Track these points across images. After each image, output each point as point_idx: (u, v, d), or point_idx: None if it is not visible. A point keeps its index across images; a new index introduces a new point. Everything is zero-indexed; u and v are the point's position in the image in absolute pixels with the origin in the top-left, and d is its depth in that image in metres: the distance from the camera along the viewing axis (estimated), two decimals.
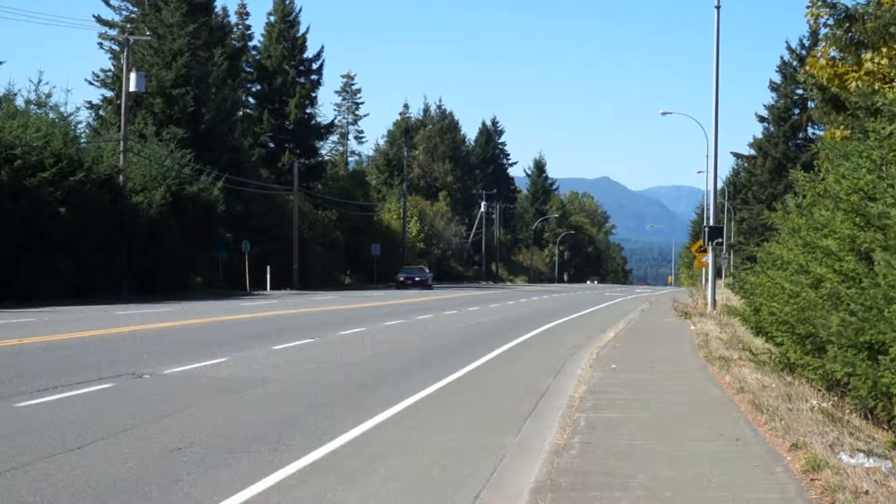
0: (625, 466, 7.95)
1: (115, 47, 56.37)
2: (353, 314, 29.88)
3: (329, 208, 72.63)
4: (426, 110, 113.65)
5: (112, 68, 56.02)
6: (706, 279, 39.71)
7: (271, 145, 72.23)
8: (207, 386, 12.69)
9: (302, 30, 74.14)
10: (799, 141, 69.08)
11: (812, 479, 7.44)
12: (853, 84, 18.16)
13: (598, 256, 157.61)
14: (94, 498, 6.99)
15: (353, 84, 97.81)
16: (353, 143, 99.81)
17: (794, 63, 66.74)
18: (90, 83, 57.47)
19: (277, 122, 71.97)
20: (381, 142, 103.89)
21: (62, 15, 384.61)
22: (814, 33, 58.66)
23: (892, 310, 8.80)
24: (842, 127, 18.68)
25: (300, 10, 74.38)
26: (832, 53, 19.80)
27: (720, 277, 42.82)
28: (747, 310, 18.61)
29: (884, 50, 17.80)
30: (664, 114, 55.03)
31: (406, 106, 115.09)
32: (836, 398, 12.75)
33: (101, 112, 54.84)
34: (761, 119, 72.74)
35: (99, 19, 59.48)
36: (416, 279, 67.59)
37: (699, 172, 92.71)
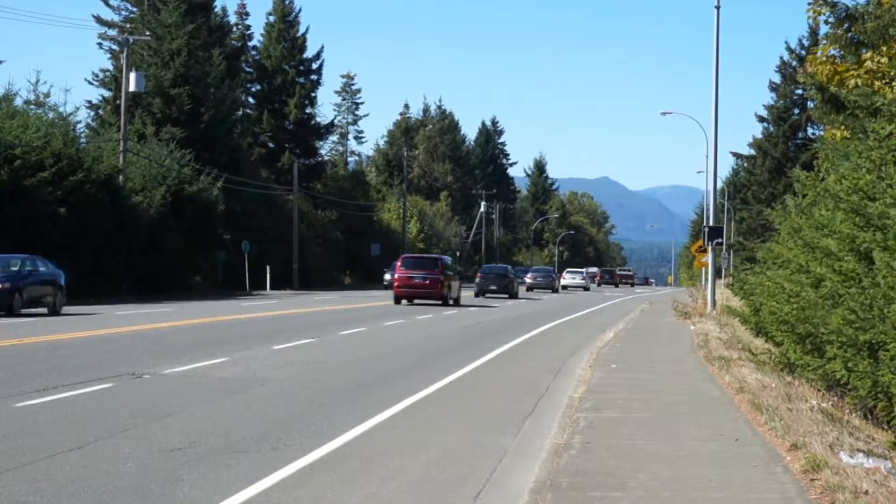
0: (625, 466, 7.95)
1: (114, 47, 56.36)
2: (352, 314, 29.89)
3: (329, 208, 72.63)
4: (426, 110, 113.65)
5: (111, 68, 56.00)
6: (706, 279, 39.71)
7: (271, 145, 72.21)
8: (207, 386, 12.69)
9: (302, 30, 74.18)
10: (799, 141, 69.02)
11: (812, 479, 7.44)
12: (852, 81, 18.16)
13: (598, 256, 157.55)
14: (94, 498, 6.99)
15: (352, 84, 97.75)
16: (352, 143, 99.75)
17: (794, 63, 66.69)
18: (89, 83, 57.48)
19: (277, 122, 71.95)
20: (381, 142, 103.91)
21: (62, 15, 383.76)
22: (813, 33, 58.65)
23: (891, 309, 8.81)
24: (842, 127, 18.68)
25: (300, 10, 74.43)
26: (832, 52, 19.80)
27: (720, 277, 42.82)
28: (747, 310, 18.62)
29: (884, 49, 17.80)
30: (664, 114, 55.13)
31: (406, 106, 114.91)
32: (836, 398, 12.76)
33: (100, 112, 54.83)
34: (761, 119, 72.72)
35: (98, 19, 59.50)
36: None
37: (699, 172, 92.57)
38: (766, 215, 21.62)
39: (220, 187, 48.69)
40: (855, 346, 9.69)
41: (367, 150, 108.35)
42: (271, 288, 53.74)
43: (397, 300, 37.01)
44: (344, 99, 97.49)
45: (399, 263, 39.20)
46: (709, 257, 33.96)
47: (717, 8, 32.49)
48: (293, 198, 62.06)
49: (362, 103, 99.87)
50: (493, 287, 49.26)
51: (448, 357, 17.40)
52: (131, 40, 46.89)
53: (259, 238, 55.24)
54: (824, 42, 20.11)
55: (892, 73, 17.36)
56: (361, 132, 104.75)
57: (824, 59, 19.33)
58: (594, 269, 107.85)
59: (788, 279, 13.90)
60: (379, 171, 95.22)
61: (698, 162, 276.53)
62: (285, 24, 73.44)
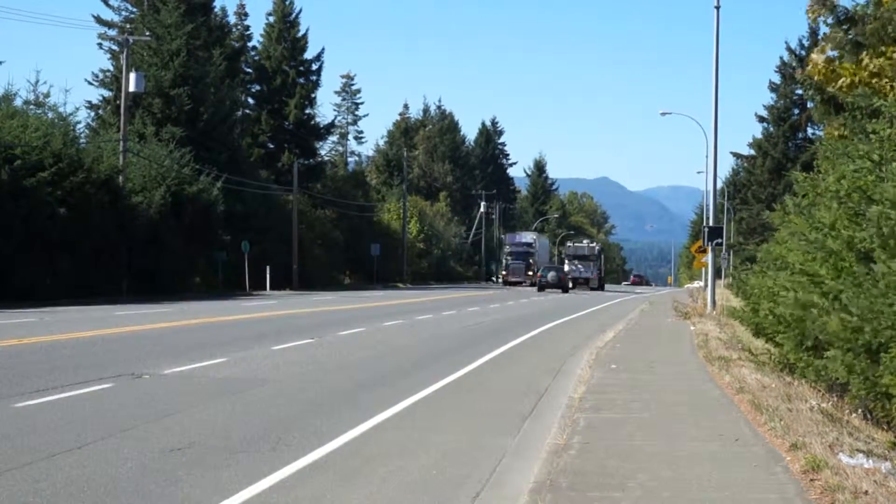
0: (624, 467, 7.95)
1: (114, 47, 56.38)
2: (352, 314, 29.88)
3: (328, 208, 72.65)
4: (426, 110, 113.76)
5: (111, 68, 56.01)
6: (706, 279, 39.71)
7: (271, 146, 72.19)
8: (207, 386, 12.69)
9: (302, 30, 74.19)
10: (798, 141, 69.10)
11: (811, 480, 7.44)
12: (847, 79, 18.26)
13: None
14: (94, 498, 6.99)
15: (352, 84, 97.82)
16: (352, 144, 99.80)
17: (794, 63, 66.74)
18: (89, 83, 57.47)
19: (277, 122, 71.94)
20: (381, 142, 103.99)
21: (62, 15, 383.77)
22: (813, 33, 58.74)
23: (891, 310, 8.81)
24: (841, 128, 18.73)
25: (300, 10, 74.42)
26: (830, 53, 19.88)
27: (720, 278, 42.82)
28: (747, 311, 18.63)
29: (882, 49, 17.85)
30: (664, 114, 55.08)
31: (406, 106, 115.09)
32: (835, 398, 12.76)
33: (100, 112, 54.84)
34: (761, 119, 72.80)
35: (98, 19, 59.45)
36: None
37: (699, 173, 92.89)
38: (766, 217, 21.67)
39: (220, 187, 48.67)
40: (854, 348, 9.70)
41: (367, 150, 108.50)
42: (271, 288, 53.75)
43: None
44: (344, 99, 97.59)
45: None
46: (709, 257, 33.96)
47: (717, 8, 32.53)
48: (293, 198, 62.05)
49: (362, 103, 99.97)
50: None
51: (448, 357, 17.40)
52: (131, 40, 46.89)
53: (259, 238, 55.23)
54: (823, 43, 20.19)
55: (890, 75, 17.40)
56: (361, 132, 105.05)
57: (822, 62, 19.42)
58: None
59: (788, 280, 13.90)
60: (379, 172, 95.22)
61: (698, 162, 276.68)
62: (285, 24, 73.44)
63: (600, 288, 77.74)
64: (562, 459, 8.24)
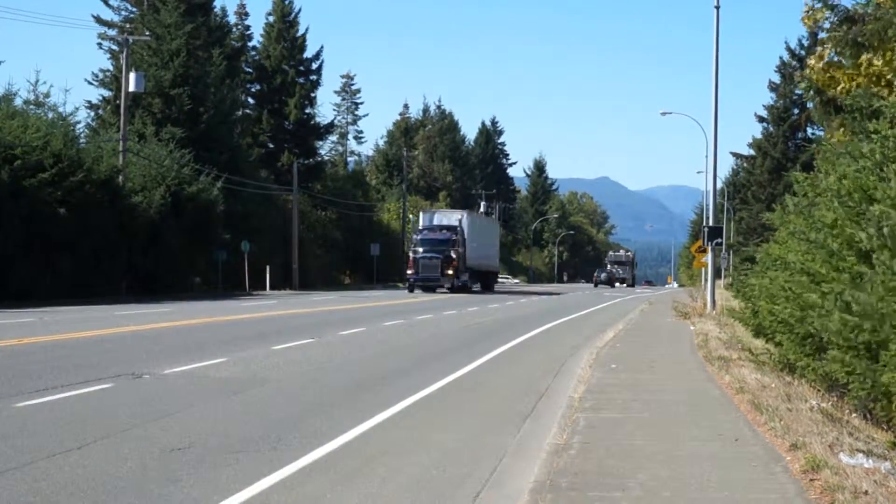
0: (624, 466, 7.95)
1: (114, 47, 56.41)
2: (352, 314, 29.88)
3: (328, 208, 72.67)
4: (426, 110, 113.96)
5: (111, 68, 56.05)
6: (705, 279, 39.71)
7: (270, 145, 72.27)
8: (207, 386, 12.69)
9: (301, 30, 74.29)
10: (798, 141, 69.10)
11: (811, 480, 7.44)
12: (846, 83, 18.30)
13: (598, 257, 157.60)
14: (94, 498, 6.99)
15: (352, 84, 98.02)
16: (352, 144, 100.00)
17: (794, 64, 66.77)
18: (89, 83, 57.54)
19: (277, 122, 72.01)
20: (381, 142, 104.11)
21: (62, 15, 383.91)
22: (813, 34, 58.77)
23: (891, 308, 8.80)
24: (841, 129, 18.75)
25: (299, 10, 74.52)
26: (831, 55, 19.90)
27: (720, 278, 42.81)
28: (746, 311, 18.63)
29: (882, 50, 17.85)
30: (664, 114, 55.14)
31: (406, 106, 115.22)
32: (835, 398, 12.75)
33: (100, 112, 54.87)
34: (761, 119, 72.85)
35: (98, 19, 59.54)
36: None
37: (699, 173, 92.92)
38: (766, 219, 21.78)
39: (220, 187, 48.72)
40: (855, 347, 9.70)
41: (367, 150, 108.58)
42: (271, 288, 53.75)
43: None
44: (343, 99, 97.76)
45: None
46: (708, 257, 33.95)
47: (717, 8, 32.53)
48: (293, 198, 62.05)
49: (362, 103, 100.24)
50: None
51: (448, 357, 17.40)
52: (131, 40, 46.93)
53: (259, 238, 55.26)
54: (822, 47, 20.21)
55: (889, 77, 17.42)
56: (361, 132, 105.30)
57: (821, 66, 19.45)
58: None
59: (788, 280, 13.90)
60: (379, 172, 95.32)
61: (698, 162, 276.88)
62: (285, 24, 73.50)
63: (632, 285, 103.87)
64: (562, 459, 8.24)
